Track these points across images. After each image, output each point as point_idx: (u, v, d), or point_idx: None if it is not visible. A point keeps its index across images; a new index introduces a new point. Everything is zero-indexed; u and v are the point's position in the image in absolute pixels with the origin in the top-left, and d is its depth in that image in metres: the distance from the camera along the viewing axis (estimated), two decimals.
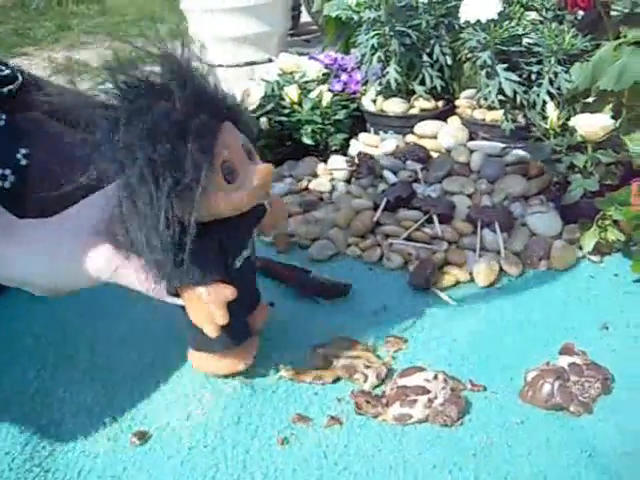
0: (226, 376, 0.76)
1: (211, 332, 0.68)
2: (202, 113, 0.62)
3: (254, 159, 0.68)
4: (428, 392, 0.71)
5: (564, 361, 0.76)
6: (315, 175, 1.20)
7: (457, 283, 0.95)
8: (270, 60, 1.82)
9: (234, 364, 0.75)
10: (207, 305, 0.67)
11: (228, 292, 0.67)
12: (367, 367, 0.75)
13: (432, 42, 1.25)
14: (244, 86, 1.31)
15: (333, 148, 1.25)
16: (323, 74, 1.35)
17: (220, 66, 2.32)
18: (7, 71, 1.00)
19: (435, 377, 0.72)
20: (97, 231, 0.67)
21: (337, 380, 0.76)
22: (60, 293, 0.72)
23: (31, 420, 0.72)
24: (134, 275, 0.67)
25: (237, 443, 0.68)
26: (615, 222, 0.95)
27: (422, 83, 1.26)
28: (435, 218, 1.01)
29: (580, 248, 0.99)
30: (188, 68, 0.65)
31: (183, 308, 0.69)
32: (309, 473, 0.64)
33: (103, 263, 0.67)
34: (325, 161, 1.22)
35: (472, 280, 0.95)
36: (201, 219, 0.63)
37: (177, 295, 0.69)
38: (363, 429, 0.69)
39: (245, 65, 2.29)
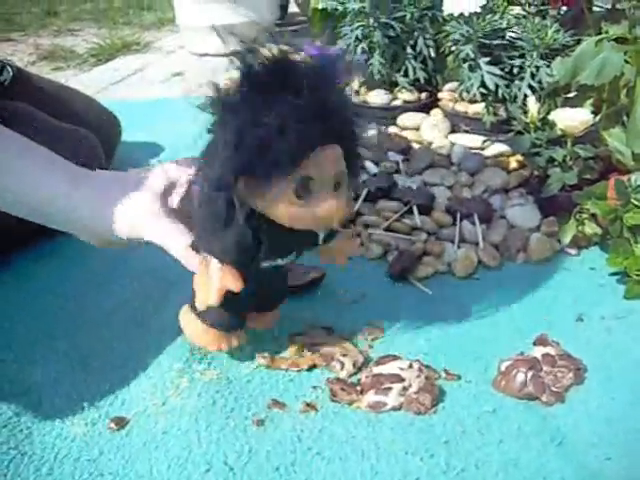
0: (201, 361, 0.77)
1: (198, 302, 0.71)
2: (310, 124, 0.61)
3: (338, 195, 0.66)
4: (403, 380, 0.71)
5: (538, 351, 0.77)
6: None
7: (435, 274, 0.95)
8: None
9: (213, 343, 0.76)
10: (210, 280, 0.69)
11: (233, 283, 0.68)
12: (344, 355, 0.76)
13: (416, 34, 1.26)
14: (229, 75, 1.31)
15: None
16: None
17: (206, 55, 2.32)
18: None
19: (410, 366, 0.73)
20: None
21: (313, 368, 0.76)
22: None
23: (8, 403, 0.72)
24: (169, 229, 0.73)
25: (211, 424, 0.69)
26: (593, 216, 0.97)
27: (405, 75, 1.27)
28: (415, 209, 1.02)
29: (558, 241, 1.00)
30: (327, 80, 0.64)
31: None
32: (283, 455, 0.65)
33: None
34: None
35: (450, 271, 0.96)
36: (262, 211, 0.65)
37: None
38: (337, 416, 0.70)
39: (232, 54, 2.29)
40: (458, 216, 1.01)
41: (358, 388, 0.72)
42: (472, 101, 1.20)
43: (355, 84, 1.32)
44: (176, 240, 0.73)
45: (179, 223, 0.74)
